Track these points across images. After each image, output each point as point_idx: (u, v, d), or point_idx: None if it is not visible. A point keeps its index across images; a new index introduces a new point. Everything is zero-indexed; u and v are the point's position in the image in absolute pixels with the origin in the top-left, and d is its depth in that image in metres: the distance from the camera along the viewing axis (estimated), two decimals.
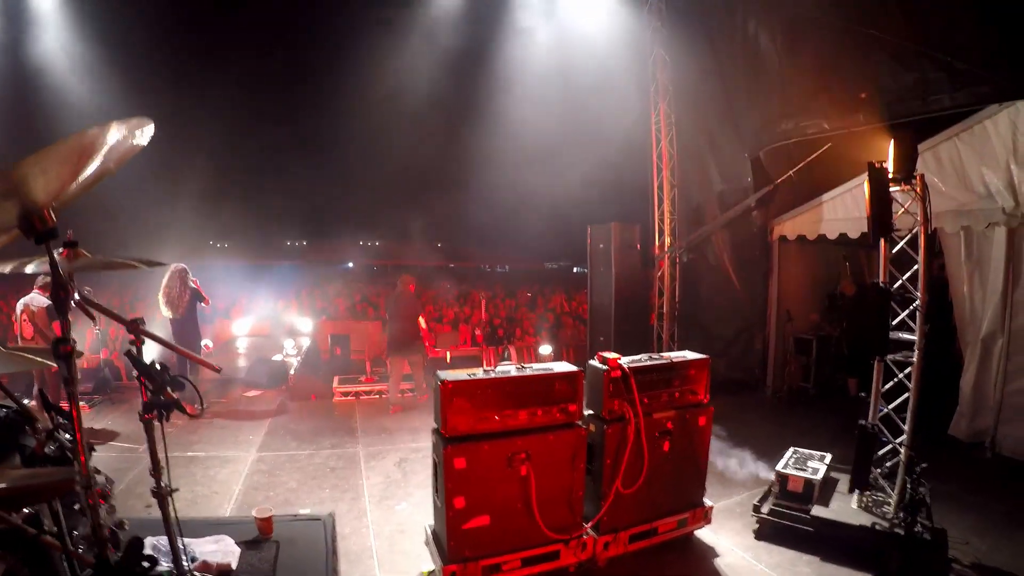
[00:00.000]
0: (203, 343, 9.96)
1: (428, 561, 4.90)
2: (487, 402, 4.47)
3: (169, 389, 2.00)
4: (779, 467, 5.77)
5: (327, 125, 26.19)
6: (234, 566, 3.92)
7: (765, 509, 5.66)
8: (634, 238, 11.22)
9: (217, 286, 12.46)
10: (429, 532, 4.89)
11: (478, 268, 37.38)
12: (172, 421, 9.12)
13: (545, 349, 12.83)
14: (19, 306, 8.76)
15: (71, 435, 2.78)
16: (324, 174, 25.14)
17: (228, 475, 7.03)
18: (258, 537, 4.17)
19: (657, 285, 12.04)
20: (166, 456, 2.47)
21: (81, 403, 2.97)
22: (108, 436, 8.12)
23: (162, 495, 2.11)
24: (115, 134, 1.90)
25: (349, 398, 10.48)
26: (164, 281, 9.34)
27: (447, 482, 4.35)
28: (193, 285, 9.43)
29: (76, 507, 2.84)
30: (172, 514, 2.26)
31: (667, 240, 11.77)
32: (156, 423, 2.15)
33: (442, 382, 4.37)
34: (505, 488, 4.52)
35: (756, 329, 11.29)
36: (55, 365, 2.70)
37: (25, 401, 3.11)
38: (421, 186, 26.62)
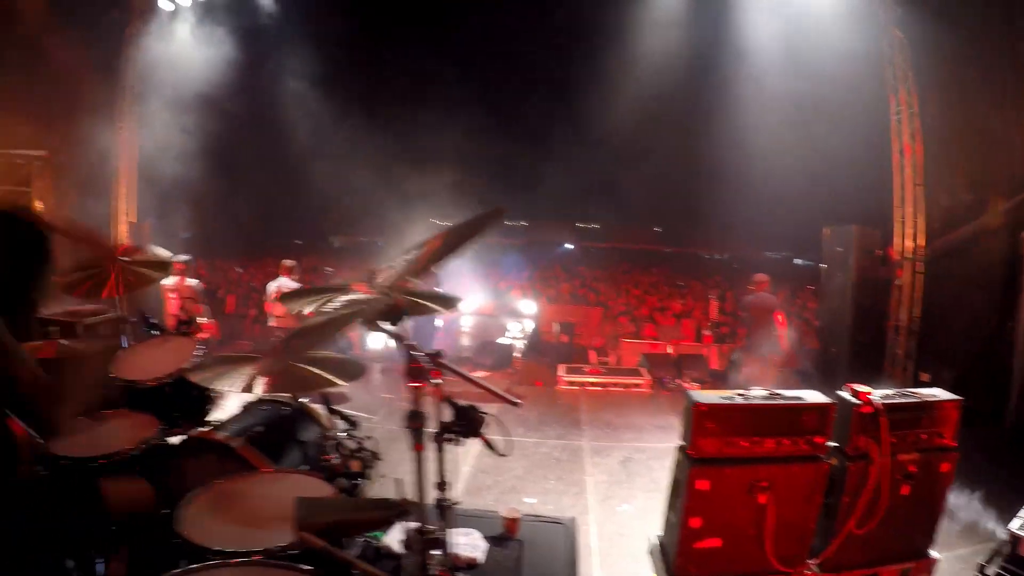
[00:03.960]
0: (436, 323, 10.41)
1: (648, 569, 4.85)
2: (736, 427, 4.37)
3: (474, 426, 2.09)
4: (1013, 526, 5.19)
5: (559, 108, 26.49)
6: (481, 561, 4.09)
7: (991, 572, 5.14)
8: (875, 243, 10.50)
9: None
10: (654, 542, 4.86)
11: (697, 255, 36.41)
12: (402, 396, 9.69)
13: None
14: (270, 288, 9.95)
15: (356, 440, 2.98)
16: (548, 156, 25.39)
17: (456, 456, 7.29)
18: (503, 535, 4.31)
19: (896, 295, 11.08)
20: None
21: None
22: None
23: (444, 508, 2.20)
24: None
25: (574, 388, 10.59)
26: None
27: (687, 501, 4.32)
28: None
29: None
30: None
31: (909, 245, 10.81)
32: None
33: (695, 403, 4.31)
34: (741, 514, 4.42)
35: (998, 352, 10.16)
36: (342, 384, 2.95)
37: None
38: (642, 169, 26.35)
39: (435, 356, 2.23)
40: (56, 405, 2.38)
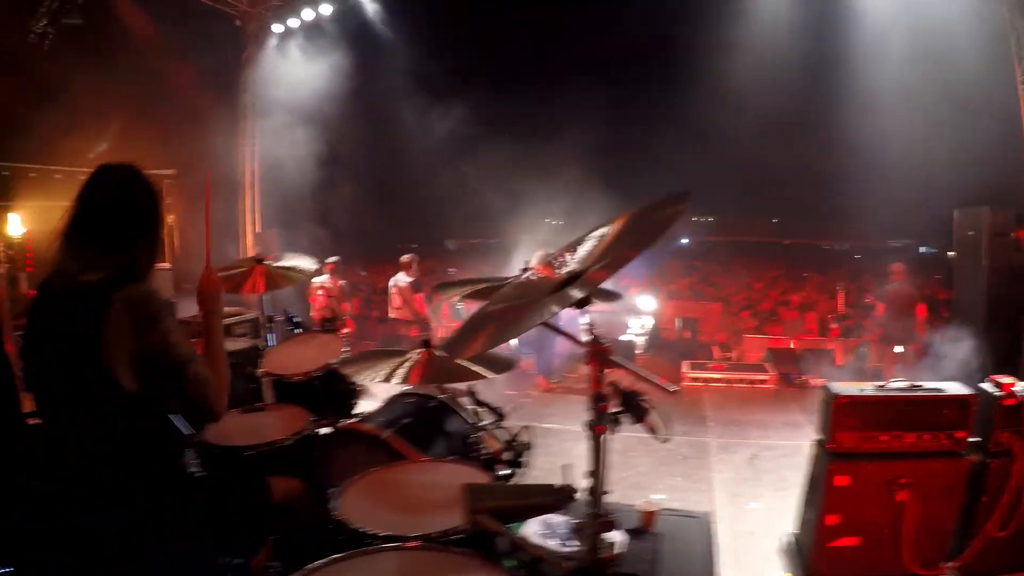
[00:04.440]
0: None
1: (778, 569, 4.77)
2: (875, 421, 4.23)
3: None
4: None
5: (673, 100, 26.24)
6: (619, 552, 4.08)
7: None
8: (1008, 225, 9.90)
9: None
10: (787, 540, 4.77)
11: (815, 246, 35.27)
12: (527, 393, 9.88)
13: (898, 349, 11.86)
14: (390, 283, 10.56)
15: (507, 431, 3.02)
16: (661, 149, 25.18)
17: (582, 450, 7.32)
18: (639, 527, 4.29)
19: None
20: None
21: None
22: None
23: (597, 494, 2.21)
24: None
25: (698, 384, 10.48)
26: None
27: (825, 497, 4.22)
28: None
29: None
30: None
31: None
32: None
33: (835, 396, 4.20)
34: (878, 512, 4.26)
35: None
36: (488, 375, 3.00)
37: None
38: (758, 159, 25.81)
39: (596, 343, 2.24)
40: (218, 391, 2.52)
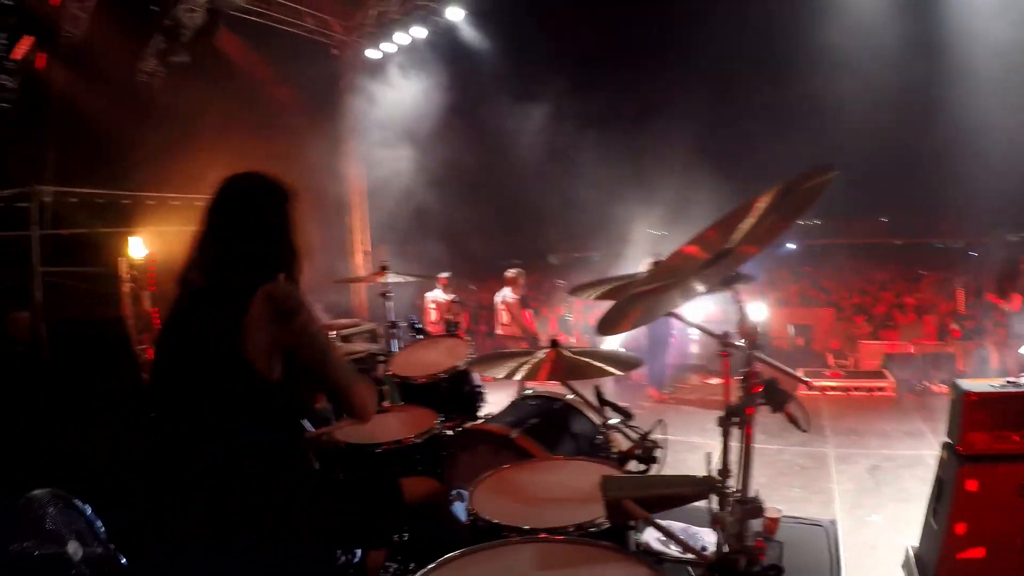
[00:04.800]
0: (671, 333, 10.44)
1: None
2: (1008, 419, 3.99)
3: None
4: None
5: (777, 99, 25.78)
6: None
7: None
8: None
9: None
10: (910, 554, 4.54)
11: (928, 245, 33.71)
12: (639, 404, 9.81)
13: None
14: (496, 299, 10.48)
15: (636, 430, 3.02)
16: (765, 150, 24.70)
17: (696, 462, 7.18)
18: (763, 534, 4.22)
19: None
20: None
21: None
22: None
23: (722, 494, 2.19)
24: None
25: (814, 392, 10.22)
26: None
27: (953, 504, 4.00)
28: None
29: None
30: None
31: None
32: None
33: (966, 393, 3.98)
34: (1007, 520, 4.00)
35: None
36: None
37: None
38: (865, 157, 24.97)
39: (725, 337, 2.24)
40: (365, 389, 2.60)
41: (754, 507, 2.03)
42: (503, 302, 10.35)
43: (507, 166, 20.12)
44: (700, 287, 2.09)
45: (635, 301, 2.40)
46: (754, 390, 2.01)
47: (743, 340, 2.07)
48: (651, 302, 2.30)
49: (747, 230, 2.08)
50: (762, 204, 2.11)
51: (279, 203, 2.58)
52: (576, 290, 3.72)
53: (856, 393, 10.13)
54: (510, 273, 10.46)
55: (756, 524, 3.38)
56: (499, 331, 10.47)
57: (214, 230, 2.50)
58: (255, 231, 2.50)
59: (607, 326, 2.31)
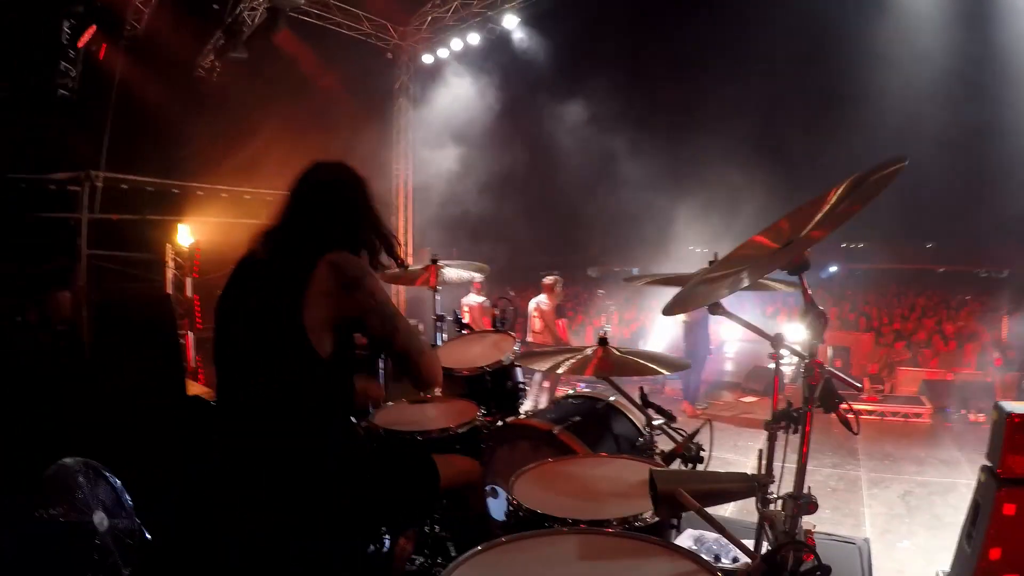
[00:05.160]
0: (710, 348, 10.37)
1: None
2: None
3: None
4: None
5: (821, 118, 25.64)
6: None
7: None
8: None
9: None
10: None
11: (972, 273, 33.00)
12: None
13: None
14: (531, 305, 10.37)
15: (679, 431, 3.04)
16: (809, 172, 24.50)
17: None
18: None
19: None
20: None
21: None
22: None
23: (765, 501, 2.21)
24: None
25: (849, 415, 10.06)
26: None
27: (989, 528, 3.97)
28: None
29: None
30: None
31: None
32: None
33: (1009, 415, 3.95)
34: None
35: None
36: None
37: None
38: (912, 180, 24.63)
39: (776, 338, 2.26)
40: (434, 356, 2.68)
41: (807, 502, 2.04)
42: (537, 308, 10.25)
43: (555, 176, 20.19)
44: (768, 270, 2.10)
45: (701, 286, 2.47)
46: (814, 380, 2.01)
47: (805, 327, 2.06)
48: (719, 284, 2.33)
49: (818, 218, 2.09)
50: (834, 195, 2.12)
51: (361, 187, 2.67)
52: (630, 279, 3.75)
53: (891, 418, 10.03)
54: (547, 280, 10.35)
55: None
56: (530, 338, 10.34)
57: (295, 208, 2.57)
58: (338, 209, 2.58)
59: (672, 308, 2.33)
